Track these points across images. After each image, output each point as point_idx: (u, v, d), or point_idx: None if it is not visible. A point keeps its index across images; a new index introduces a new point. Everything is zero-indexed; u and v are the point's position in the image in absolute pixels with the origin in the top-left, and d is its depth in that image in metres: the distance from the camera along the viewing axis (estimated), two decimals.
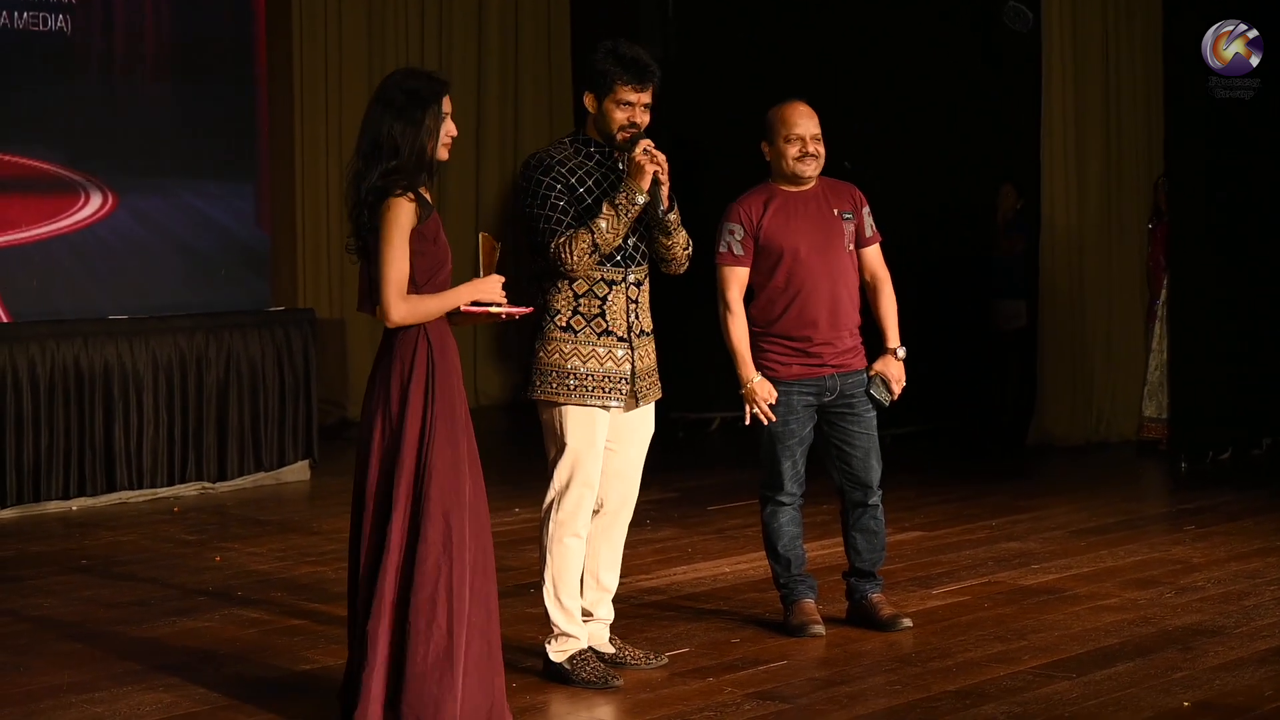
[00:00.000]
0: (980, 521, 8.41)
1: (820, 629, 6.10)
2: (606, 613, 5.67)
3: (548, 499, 5.47)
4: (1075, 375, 11.17)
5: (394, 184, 4.74)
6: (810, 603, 6.18)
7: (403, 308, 4.75)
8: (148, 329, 9.30)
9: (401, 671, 4.69)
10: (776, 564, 6.20)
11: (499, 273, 4.93)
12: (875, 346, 6.20)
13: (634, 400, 5.52)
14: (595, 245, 5.31)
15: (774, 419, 6.01)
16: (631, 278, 5.49)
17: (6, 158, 9.25)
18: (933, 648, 5.93)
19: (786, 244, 6.01)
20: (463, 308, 4.86)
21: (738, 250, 6.04)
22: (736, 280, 6.05)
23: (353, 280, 5.08)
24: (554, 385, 5.41)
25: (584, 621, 5.55)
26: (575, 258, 5.31)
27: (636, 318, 5.51)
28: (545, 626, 5.55)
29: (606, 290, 5.44)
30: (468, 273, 4.95)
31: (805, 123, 6.03)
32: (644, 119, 5.42)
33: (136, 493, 9.18)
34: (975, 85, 11.78)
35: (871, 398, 6.14)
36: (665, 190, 5.40)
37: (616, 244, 5.37)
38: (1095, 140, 11.12)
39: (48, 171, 9.42)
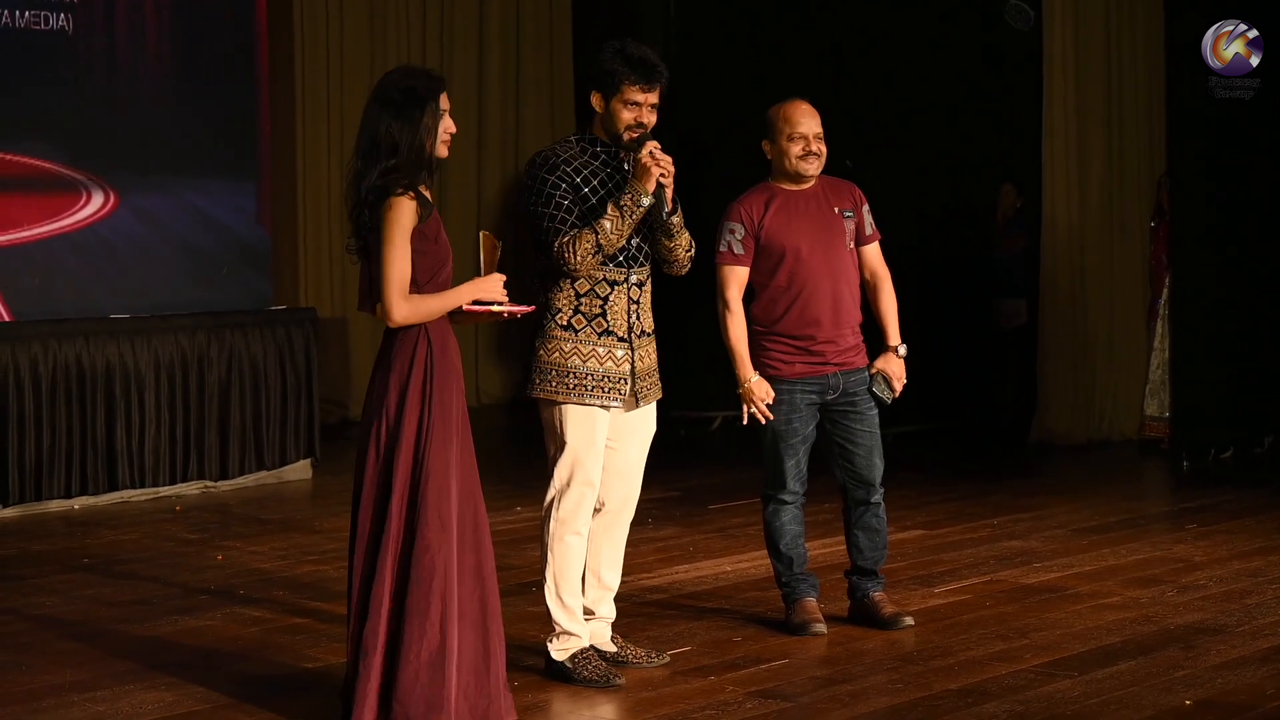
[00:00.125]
0: (982, 520, 8.41)
1: (822, 627, 6.10)
2: (608, 611, 5.67)
3: (548, 497, 5.47)
4: (1077, 374, 11.17)
5: (394, 183, 4.73)
6: (812, 601, 6.18)
7: (405, 308, 4.75)
8: (149, 328, 9.30)
9: (395, 671, 4.69)
10: (778, 562, 6.20)
11: (499, 271, 4.93)
12: (875, 345, 6.20)
13: (634, 400, 5.52)
14: (599, 246, 5.31)
15: (771, 418, 6.02)
16: (634, 278, 5.49)
17: (8, 156, 9.25)
18: (934, 646, 5.93)
19: (788, 243, 6.02)
20: (464, 307, 4.86)
21: (738, 249, 6.04)
22: (736, 279, 6.05)
23: (354, 279, 5.08)
24: (554, 384, 5.41)
25: (586, 620, 5.56)
26: (578, 257, 5.32)
27: (638, 318, 5.51)
28: (547, 625, 5.55)
29: (609, 290, 5.44)
30: (469, 272, 4.95)
31: (808, 121, 6.03)
32: (651, 119, 5.42)
33: (138, 491, 9.19)
34: (976, 84, 11.78)
35: (874, 395, 6.14)
36: (669, 193, 5.40)
37: (620, 245, 5.37)
38: (1097, 139, 11.12)
39: (49, 170, 9.42)
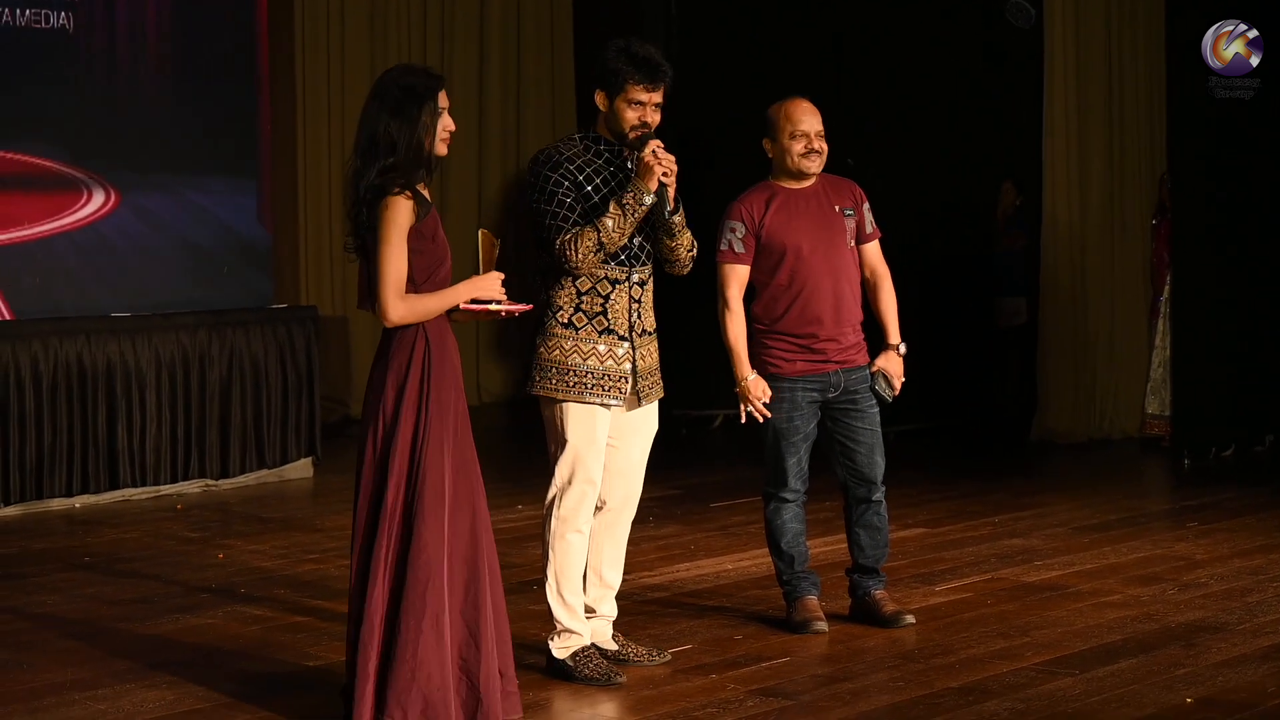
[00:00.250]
0: (983, 518, 8.41)
1: (823, 625, 6.10)
2: (609, 609, 5.67)
3: (550, 495, 5.48)
4: (1078, 372, 11.17)
5: (391, 182, 4.73)
6: (813, 599, 6.19)
7: (401, 307, 4.74)
8: (150, 326, 9.30)
9: (391, 671, 4.69)
10: (779, 560, 6.20)
11: (498, 269, 4.93)
12: (876, 343, 6.21)
13: (636, 399, 5.52)
14: (601, 244, 5.31)
15: (769, 416, 6.02)
16: (636, 277, 5.49)
17: (9, 155, 9.26)
18: (935, 644, 5.93)
19: (789, 242, 6.02)
20: (462, 305, 4.85)
21: (739, 248, 6.04)
22: (737, 278, 6.05)
23: (355, 277, 5.08)
24: (554, 381, 5.41)
25: (587, 618, 5.56)
26: (580, 255, 5.32)
27: (639, 317, 5.51)
28: (548, 623, 5.55)
29: (610, 289, 5.44)
30: (468, 271, 4.95)
31: (809, 119, 6.03)
32: (655, 118, 5.42)
33: (139, 490, 9.19)
34: (977, 83, 11.78)
35: (875, 393, 6.15)
36: (671, 192, 5.40)
37: (622, 243, 5.37)
38: (1097, 137, 11.12)
39: (50, 169, 9.43)
